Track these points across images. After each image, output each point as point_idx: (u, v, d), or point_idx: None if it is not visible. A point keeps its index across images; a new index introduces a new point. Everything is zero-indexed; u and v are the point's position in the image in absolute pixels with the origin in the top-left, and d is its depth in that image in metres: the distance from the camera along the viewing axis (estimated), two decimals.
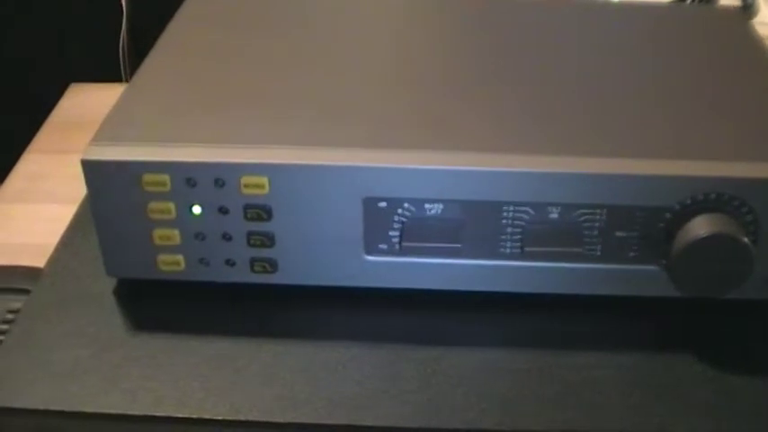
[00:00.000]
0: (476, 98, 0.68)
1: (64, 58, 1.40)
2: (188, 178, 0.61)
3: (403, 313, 0.66)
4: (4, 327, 0.68)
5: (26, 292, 0.70)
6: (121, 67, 1.36)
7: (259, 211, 0.62)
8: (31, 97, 1.34)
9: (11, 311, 0.71)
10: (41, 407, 0.60)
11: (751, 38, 0.79)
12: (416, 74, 0.72)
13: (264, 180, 0.61)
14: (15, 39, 1.41)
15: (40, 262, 0.72)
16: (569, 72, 0.72)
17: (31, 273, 0.75)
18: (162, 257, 0.65)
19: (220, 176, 0.61)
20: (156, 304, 0.67)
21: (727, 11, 0.87)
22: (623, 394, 0.61)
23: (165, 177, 0.61)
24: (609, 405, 0.60)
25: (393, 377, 0.61)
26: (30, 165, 0.91)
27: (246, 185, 0.61)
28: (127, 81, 1.37)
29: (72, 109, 1.01)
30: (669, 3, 1.04)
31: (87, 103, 1.01)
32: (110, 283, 0.68)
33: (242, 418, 0.59)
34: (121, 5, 1.35)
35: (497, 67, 0.73)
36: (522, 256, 0.63)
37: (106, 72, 1.34)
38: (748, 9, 1.31)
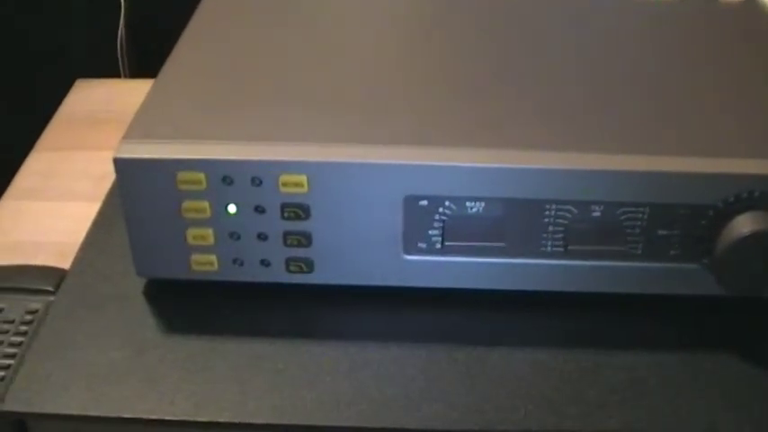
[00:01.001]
0: (517, 96, 0.67)
1: (62, 54, 1.38)
2: (224, 176, 0.60)
3: (443, 313, 0.65)
4: (24, 328, 0.66)
5: (43, 292, 0.69)
6: (120, 63, 1.34)
7: (297, 210, 0.61)
8: (31, 94, 1.32)
9: (29, 312, 0.69)
10: (78, 412, 0.58)
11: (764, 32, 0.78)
12: (456, 71, 0.71)
13: (303, 178, 0.60)
14: (12, 36, 1.39)
15: (56, 261, 0.70)
16: (595, 68, 0.72)
17: (47, 272, 0.73)
18: (195, 257, 0.63)
19: (258, 175, 0.60)
20: (187, 305, 0.66)
21: (740, 4, 0.86)
22: (669, 395, 0.60)
23: (201, 176, 0.60)
24: (654, 406, 0.59)
25: (436, 378, 0.61)
26: (40, 163, 0.89)
27: (285, 184, 0.60)
28: (126, 76, 1.36)
29: (78, 105, 0.99)
30: None
31: (93, 99, 1.00)
32: (139, 283, 0.67)
33: (285, 421, 0.58)
34: (119, 1, 1.33)
35: (525, 65, 0.72)
36: (565, 254, 0.63)
37: (104, 68, 1.33)
38: (751, 2, 1.31)
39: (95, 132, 0.91)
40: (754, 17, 0.82)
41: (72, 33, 1.41)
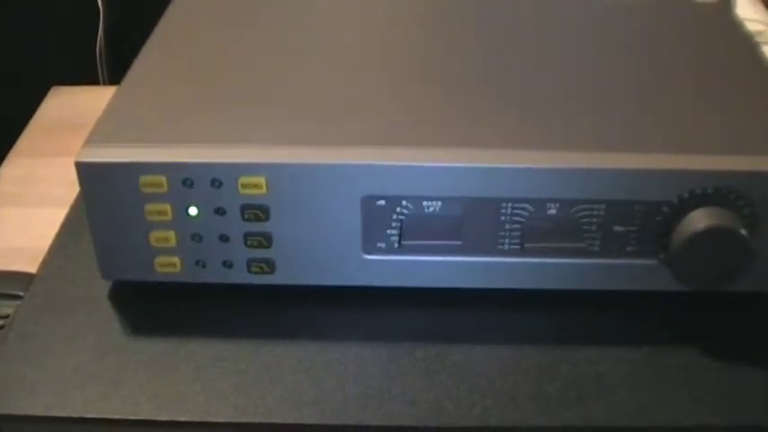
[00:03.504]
0: (472, 95, 0.68)
1: (40, 60, 1.39)
2: (185, 179, 0.61)
3: (403, 312, 0.66)
4: None
5: (19, 297, 0.70)
6: (99, 70, 1.35)
7: (256, 212, 0.62)
8: (9, 101, 1.33)
9: (2, 317, 0.70)
10: (43, 413, 0.59)
11: (736, 30, 0.79)
12: (412, 72, 0.72)
13: (262, 180, 0.61)
14: None
15: (33, 266, 0.71)
16: (563, 68, 0.72)
17: (20, 277, 0.74)
18: (159, 259, 0.64)
19: (218, 177, 0.61)
20: (153, 307, 0.67)
21: (710, 4, 0.87)
22: (629, 389, 0.61)
23: (162, 178, 0.61)
24: (613, 400, 0.60)
25: (396, 376, 0.61)
26: (17, 168, 0.90)
27: (244, 186, 0.61)
28: (104, 83, 1.36)
29: (54, 112, 1.00)
30: None
31: (69, 106, 1.00)
32: (105, 286, 0.67)
33: (246, 420, 0.58)
34: (98, 7, 1.34)
35: (492, 65, 0.73)
36: (522, 252, 0.63)
37: (83, 74, 1.33)
38: (727, 3, 1.32)
39: (71, 139, 0.91)
40: (723, 17, 0.82)
41: (51, 40, 1.42)
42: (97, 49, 1.36)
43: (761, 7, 1.38)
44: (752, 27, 1.26)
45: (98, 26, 1.35)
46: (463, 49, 0.75)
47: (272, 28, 0.77)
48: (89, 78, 1.35)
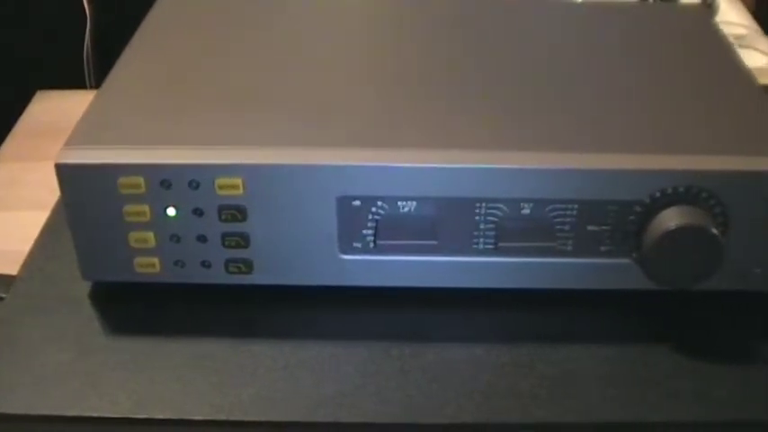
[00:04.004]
0: (446, 96, 0.69)
1: (28, 64, 1.40)
2: (162, 180, 0.62)
3: (380, 311, 0.67)
4: None
5: (1, 299, 0.70)
6: (86, 74, 1.35)
7: (234, 212, 0.63)
8: None
9: None
10: (23, 412, 0.60)
11: (714, 34, 0.80)
12: (388, 74, 0.73)
13: (239, 181, 0.61)
14: None
15: (16, 269, 0.72)
16: (538, 70, 0.73)
17: (6, 280, 0.75)
18: (138, 260, 0.65)
19: (195, 178, 0.61)
20: (133, 307, 0.67)
21: (690, 8, 0.88)
22: (600, 386, 0.61)
23: (140, 180, 0.62)
24: (586, 397, 0.61)
25: (371, 374, 0.62)
26: (1, 173, 0.90)
27: (221, 186, 0.62)
28: (92, 87, 1.37)
29: (40, 116, 1.00)
30: (634, 2, 1.05)
31: (55, 110, 1.01)
32: (86, 287, 0.68)
33: (222, 418, 0.59)
34: (85, 12, 1.34)
35: (467, 67, 0.74)
36: (496, 251, 0.64)
37: (71, 79, 1.34)
38: (708, 8, 1.33)
39: (55, 142, 0.92)
40: (701, 20, 0.83)
41: (38, 45, 1.42)
42: (84, 53, 1.36)
43: (743, 11, 1.39)
44: (734, 31, 1.28)
45: (85, 30, 1.35)
46: (438, 52, 0.76)
47: (249, 33, 0.78)
48: (77, 82, 1.35)
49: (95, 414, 0.59)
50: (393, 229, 0.63)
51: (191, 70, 0.72)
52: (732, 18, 1.35)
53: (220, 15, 0.81)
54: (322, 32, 0.79)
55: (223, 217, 0.63)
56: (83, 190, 0.62)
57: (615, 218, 0.63)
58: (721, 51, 0.77)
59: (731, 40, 1.26)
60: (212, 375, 0.62)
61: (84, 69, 1.35)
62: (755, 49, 1.28)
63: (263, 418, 0.59)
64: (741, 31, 1.31)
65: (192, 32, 0.78)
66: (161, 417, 0.59)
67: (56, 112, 0.99)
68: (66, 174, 0.62)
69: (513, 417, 0.60)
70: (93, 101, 0.68)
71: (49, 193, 0.77)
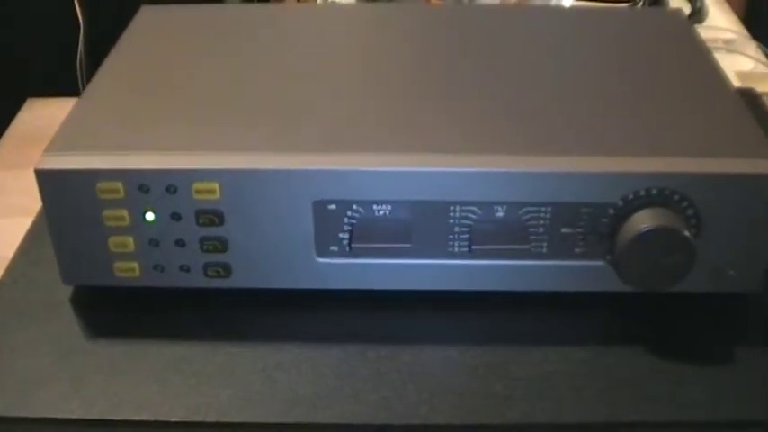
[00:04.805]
0: (420, 100, 0.69)
1: (21, 73, 1.40)
2: (141, 185, 0.62)
3: (356, 314, 0.68)
4: None
5: None
6: (79, 82, 1.36)
7: (211, 217, 0.63)
8: None
9: None
10: (4, 414, 0.61)
11: (691, 38, 0.80)
12: (362, 79, 0.73)
13: (215, 186, 0.62)
14: None
15: (1, 275, 0.73)
16: (512, 73, 0.74)
17: None
18: (118, 264, 0.66)
19: (172, 183, 0.62)
20: (114, 311, 0.68)
21: (669, 13, 0.89)
22: (574, 387, 0.62)
23: (119, 185, 0.62)
24: (559, 398, 0.61)
25: (347, 376, 0.63)
26: None
27: (198, 191, 0.62)
28: None
29: (29, 123, 1.01)
30: (614, 6, 1.06)
31: (44, 118, 1.02)
32: (68, 291, 0.69)
33: (199, 419, 0.60)
34: (78, 20, 1.35)
35: (443, 70, 0.74)
36: (470, 254, 0.65)
37: (63, 85, 1.34)
38: (697, 13, 1.34)
39: (42, 150, 0.93)
40: (680, 26, 0.84)
41: (31, 51, 1.43)
42: (77, 61, 1.37)
43: (732, 16, 1.40)
44: (723, 35, 1.28)
45: (78, 38, 1.36)
46: (411, 57, 0.77)
47: (225, 43, 0.79)
48: (70, 89, 1.36)
49: (74, 416, 0.60)
50: (368, 233, 0.64)
51: (169, 78, 0.73)
52: (721, 23, 1.36)
53: (198, 27, 0.82)
54: (296, 40, 0.80)
55: (201, 221, 0.64)
56: (62, 195, 0.63)
57: (588, 220, 0.64)
58: (697, 55, 0.77)
59: (720, 44, 1.28)
60: (190, 377, 0.63)
61: (77, 77, 1.36)
62: (743, 54, 1.28)
63: (239, 419, 0.60)
64: (729, 35, 1.32)
65: (170, 42, 0.79)
66: (139, 419, 0.60)
67: (45, 120, 1.00)
68: (45, 179, 0.63)
69: (487, 417, 0.60)
70: (73, 108, 0.69)
71: (35, 200, 0.78)
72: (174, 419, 0.60)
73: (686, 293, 0.66)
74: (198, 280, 0.66)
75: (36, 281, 0.71)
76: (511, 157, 0.62)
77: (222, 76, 0.73)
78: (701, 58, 0.77)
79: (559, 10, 0.89)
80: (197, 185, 0.62)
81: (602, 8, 0.88)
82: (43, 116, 1.02)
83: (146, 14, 0.84)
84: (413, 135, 0.65)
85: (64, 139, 0.65)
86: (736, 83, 1.17)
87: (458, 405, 0.61)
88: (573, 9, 0.88)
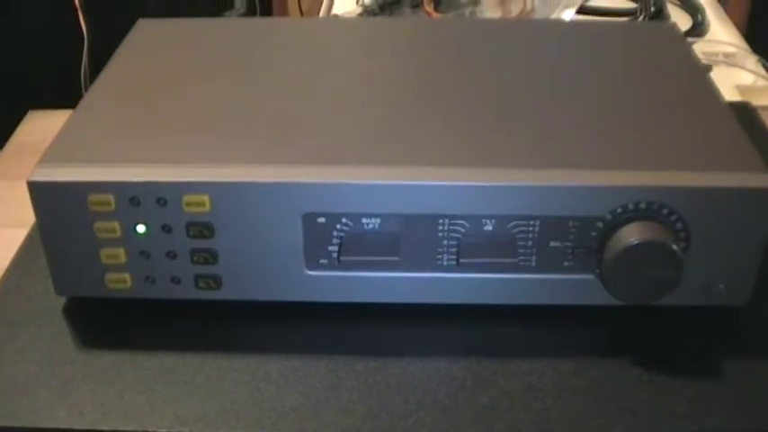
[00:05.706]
0: (410, 114, 0.70)
1: (23, 84, 1.41)
2: (131, 197, 0.63)
3: (344, 326, 0.68)
4: None
5: None
6: (82, 93, 1.36)
7: (201, 229, 0.64)
8: None
9: None
10: None
11: (685, 53, 0.80)
12: (351, 93, 0.74)
13: (205, 198, 0.63)
14: None
15: None
16: (501, 87, 0.74)
17: None
18: (109, 276, 0.66)
19: (162, 195, 0.63)
20: (104, 321, 0.69)
21: (662, 27, 0.89)
22: (560, 399, 0.62)
23: (110, 197, 0.63)
24: (546, 410, 0.62)
25: (335, 387, 0.63)
26: None
27: (188, 204, 0.63)
28: None
29: (29, 135, 1.02)
30: (613, 21, 1.06)
31: (45, 130, 1.02)
32: (60, 302, 0.69)
33: (186, 430, 0.60)
34: (82, 32, 1.36)
35: (433, 85, 0.75)
36: (459, 267, 0.65)
37: (68, 98, 1.35)
38: (698, 27, 1.34)
39: None
40: (673, 39, 0.84)
41: (35, 62, 1.44)
42: (82, 73, 1.38)
43: (733, 30, 1.40)
44: (723, 49, 1.29)
45: (83, 50, 1.37)
46: (403, 71, 0.78)
47: (217, 57, 0.79)
48: (74, 102, 1.36)
49: (62, 426, 0.61)
50: (357, 246, 0.64)
51: (162, 91, 0.73)
52: (722, 37, 1.36)
53: (194, 40, 0.83)
54: (291, 54, 0.80)
55: (191, 233, 0.64)
56: (55, 207, 0.64)
57: (577, 234, 0.64)
58: (689, 70, 0.77)
59: (720, 58, 1.28)
60: (178, 388, 0.63)
61: (80, 89, 1.37)
62: (744, 68, 1.29)
63: (226, 430, 0.60)
64: (730, 49, 1.32)
65: (165, 55, 0.80)
66: (126, 428, 0.60)
67: (46, 132, 1.00)
68: (38, 191, 0.63)
69: (474, 429, 0.60)
70: (67, 121, 0.69)
71: (28, 211, 0.78)
72: (161, 430, 0.60)
73: (675, 307, 0.66)
74: (188, 292, 0.67)
75: (29, 291, 0.71)
76: (500, 171, 0.63)
77: (214, 90, 0.73)
78: (693, 73, 0.77)
79: (559, 24, 0.89)
80: (187, 198, 0.63)
81: (601, 22, 0.89)
82: (44, 128, 1.03)
83: (143, 27, 0.85)
84: (402, 148, 0.65)
85: (57, 152, 0.66)
86: (736, 96, 1.17)
87: (443, 417, 0.61)
88: (572, 23, 0.88)
